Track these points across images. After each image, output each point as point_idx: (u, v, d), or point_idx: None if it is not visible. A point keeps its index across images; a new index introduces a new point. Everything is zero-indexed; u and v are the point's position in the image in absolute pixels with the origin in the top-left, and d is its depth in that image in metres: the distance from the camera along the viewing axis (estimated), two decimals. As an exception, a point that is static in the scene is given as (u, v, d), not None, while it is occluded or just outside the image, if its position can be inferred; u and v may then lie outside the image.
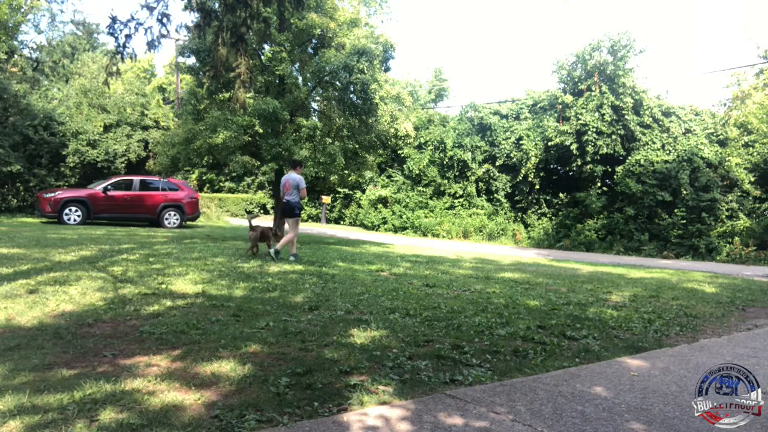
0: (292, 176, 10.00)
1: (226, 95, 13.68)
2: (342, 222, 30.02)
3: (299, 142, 13.81)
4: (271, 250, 9.73)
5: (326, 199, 29.19)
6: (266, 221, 25.02)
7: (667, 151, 20.99)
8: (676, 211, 19.75)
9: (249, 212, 11.35)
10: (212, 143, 13.06)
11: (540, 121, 23.17)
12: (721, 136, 21.14)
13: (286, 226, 10.87)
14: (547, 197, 23.63)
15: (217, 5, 9.23)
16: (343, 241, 17.54)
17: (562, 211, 22.68)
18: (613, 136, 21.29)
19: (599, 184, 22.07)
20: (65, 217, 17.36)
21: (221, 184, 30.90)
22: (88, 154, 23.23)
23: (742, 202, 19.70)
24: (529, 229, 22.93)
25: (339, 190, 28.32)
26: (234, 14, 7.03)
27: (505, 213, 23.94)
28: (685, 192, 19.84)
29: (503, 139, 24.09)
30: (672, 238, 19.55)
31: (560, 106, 22.53)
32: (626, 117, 21.25)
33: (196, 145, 13.36)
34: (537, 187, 23.24)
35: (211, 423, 2.72)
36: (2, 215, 20.28)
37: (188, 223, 20.09)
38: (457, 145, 24.90)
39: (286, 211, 10.08)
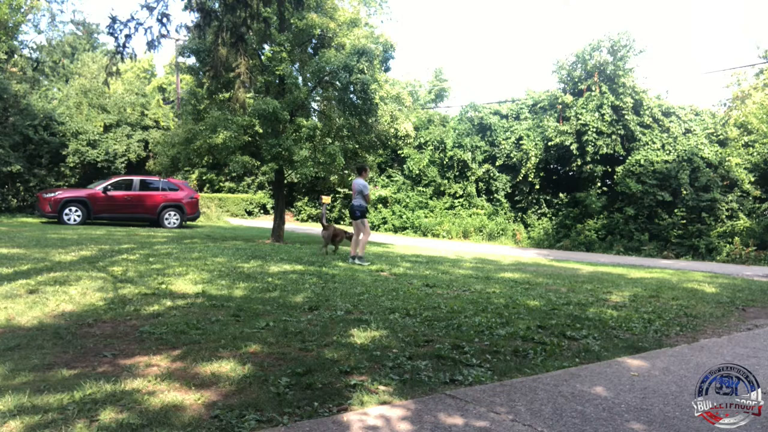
0: (358, 181, 10.47)
1: (226, 95, 13.69)
2: (342, 222, 30.01)
3: (299, 142, 13.80)
4: (351, 259, 10.18)
5: (326, 199, 29.17)
6: (266, 221, 25.05)
7: (667, 151, 20.99)
8: (676, 211, 19.75)
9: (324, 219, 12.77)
10: (212, 143, 13.06)
11: (540, 121, 23.17)
12: (721, 136, 21.14)
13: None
14: (547, 197, 23.63)
15: (217, 5, 9.23)
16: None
17: (562, 211, 22.67)
18: (613, 136, 21.29)
19: (599, 184, 22.06)
20: (65, 217, 17.36)
21: (221, 184, 30.91)
22: (88, 154, 23.24)
23: (742, 202, 19.70)
24: (529, 229, 22.92)
25: (339, 190, 28.33)
26: (234, 14, 7.04)
27: (505, 213, 23.94)
28: (685, 192, 19.84)
29: (503, 139, 24.09)
30: (672, 238, 19.54)
31: (560, 106, 22.53)
32: (626, 117, 21.25)
33: (196, 145, 13.36)
34: (537, 187, 23.23)
35: (211, 423, 2.72)
36: (2, 215, 20.28)
37: (188, 223, 20.10)
38: (457, 145, 24.90)
39: (350, 213, 10.71)
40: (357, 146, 14.65)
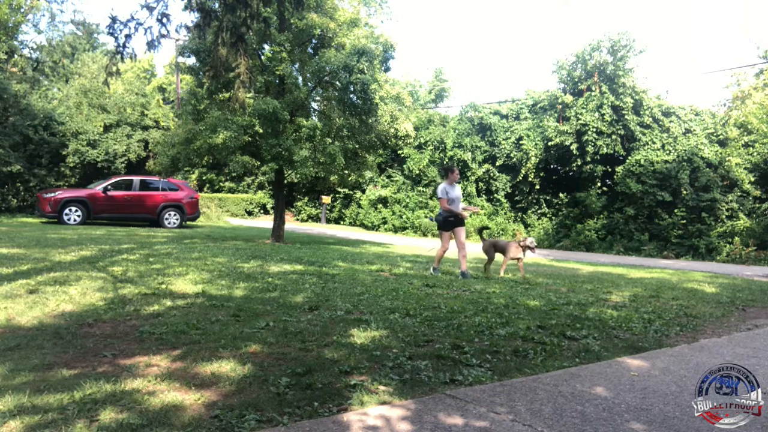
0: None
1: (226, 95, 13.68)
2: (342, 222, 30.04)
3: (299, 142, 13.81)
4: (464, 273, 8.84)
5: (326, 199, 29.20)
6: (266, 221, 25.04)
7: (667, 151, 20.99)
8: (676, 211, 19.76)
9: (483, 229, 10.55)
10: (212, 143, 13.06)
11: (540, 121, 23.18)
12: (721, 136, 21.15)
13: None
14: (547, 197, 23.64)
15: (217, 5, 9.23)
16: (343, 241, 17.53)
17: (562, 211, 22.68)
18: (613, 136, 21.30)
19: (599, 184, 22.08)
20: (65, 217, 17.37)
21: (221, 184, 30.91)
22: (88, 154, 23.24)
23: (742, 202, 19.71)
24: (529, 229, 22.94)
25: (339, 190, 28.35)
26: (234, 14, 7.02)
27: (505, 213, 23.96)
28: (685, 192, 19.84)
29: (503, 139, 24.10)
30: (672, 238, 19.55)
31: (560, 106, 22.54)
32: (626, 117, 21.26)
33: (196, 145, 13.35)
34: (537, 187, 23.24)
35: (211, 423, 2.72)
36: (2, 215, 20.28)
37: (188, 223, 20.10)
38: (457, 145, 24.91)
39: None
40: (357, 146, 14.65)
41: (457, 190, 9.07)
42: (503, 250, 9.33)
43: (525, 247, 9.12)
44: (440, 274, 9.03)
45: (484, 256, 9.81)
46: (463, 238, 8.95)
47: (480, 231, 10.20)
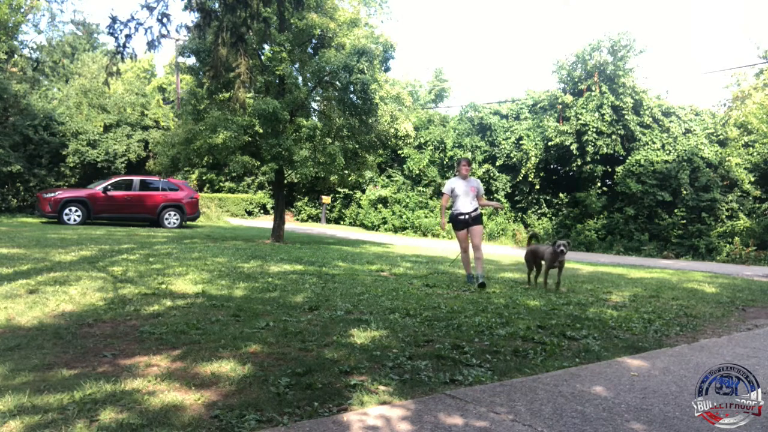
0: None
1: (226, 95, 13.68)
2: (342, 222, 30.04)
3: (299, 142, 13.82)
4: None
5: (326, 199, 29.20)
6: (266, 221, 25.05)
7: (667, 151, 21.00)
8: (676, 211, 19.76)
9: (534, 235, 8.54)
10: (212, 143, 13.06)
11: (540, 121, 23.18)
12: (721, 136, 21.15)
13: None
14: (547, 197, 23.64)
15: (217, 5, 9.23)
16: (343, 241, 17.54)
17: (563, 211, 22.68)
18: (613, 136, 21.29)
19: (599, 184, 22.08)
20: (65, 217, 17.37)
21: (221, 184, 30.91)
22: (88, 154, 23.24)
23: (742, 202, 19.71)
24: (529, 229, 22.95)
25: (339, 190, 28.35)
26: (234, 14, 7.02)
27: (505, 213, 23.96)
28: (685, 192, 19.85)
29: (503, 139, 24.10)
30: (672, 238, 19.56)
31: (560, 106, 22.53)
32: (626, 117, 21.26)
33: (196, 145, 13.36)
34: (537, 187, 23.23)
35: (211, 423, 2.72)
36: (2, 215, 20.28)
37: (188, 223, 20.10)
38: (457, 145, 24.90)
39: None
40: (357, 146, 14.65)
41: (467, 184, 8.18)
42: (543, 257, 8.01)
43: (556, 252, 7.64)
44: (475, 281, 7.82)
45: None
46: (477, 239, 8.07)
47: (529, 240, 9.02)
